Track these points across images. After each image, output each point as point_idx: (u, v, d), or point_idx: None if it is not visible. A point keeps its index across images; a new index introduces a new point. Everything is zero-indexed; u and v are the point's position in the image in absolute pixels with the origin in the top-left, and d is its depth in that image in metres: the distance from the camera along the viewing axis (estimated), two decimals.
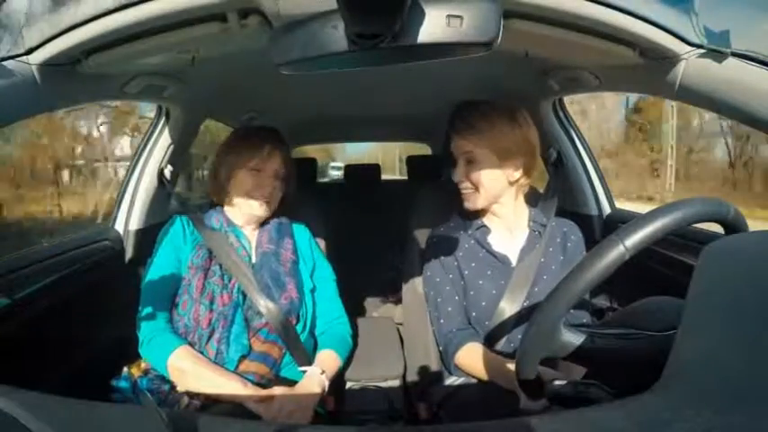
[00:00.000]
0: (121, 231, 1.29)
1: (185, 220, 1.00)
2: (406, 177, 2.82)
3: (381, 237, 2.26)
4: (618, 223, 0.58)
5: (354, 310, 1.16)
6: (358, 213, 2.41)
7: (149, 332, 0.87)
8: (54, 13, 0.67)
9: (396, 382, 1.10)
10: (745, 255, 0.47)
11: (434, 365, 1.06)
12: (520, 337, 0.88)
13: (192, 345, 0.88)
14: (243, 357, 0.89)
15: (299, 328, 0.96)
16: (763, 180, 12.04)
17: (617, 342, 0.54)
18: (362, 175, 2.79)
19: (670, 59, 0.72)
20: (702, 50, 0.68)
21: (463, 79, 1.30)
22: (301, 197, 1.10)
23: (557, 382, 0.57)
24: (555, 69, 1.07)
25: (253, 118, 1.69)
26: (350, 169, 2.85)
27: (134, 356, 0.91)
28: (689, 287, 0.45)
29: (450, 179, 1.02)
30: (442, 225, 1.07)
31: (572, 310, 0.74)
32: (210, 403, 0.83)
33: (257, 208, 0.99)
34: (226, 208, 1.04)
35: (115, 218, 1.31)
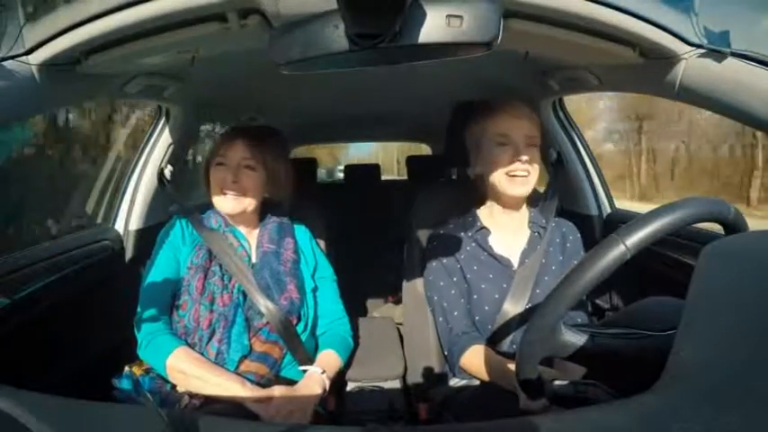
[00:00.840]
0: (121, 231, 1.29)
1: (184, 221, 1.00)
2: (403, 177, 2.82)
3: (381, 237, 2.27)
4: (618, 223, 0.58)
5: (355, 310, 1.16)
6: (358, 213, 2.41)
7: (147, 335, 0.87)
8: (54, 13, 0.67)
9: (396, 383, 1.10)
10: (744, 255, 0.47)
11: (435, 366, 1.06)
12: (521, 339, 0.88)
13: (192, 345, 0.88)
14: (243, 357, 0.89)
15: (299, 328, 0.96)
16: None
17: (617, 342, 0.54)
18: (362, 175, 2.79)
19: (670, 59, 0.72)
20: (702, 50, 0.68)
21: (463, 79, 1.30)
22: (301, 197, 1.10)
23: (557, 382, 0.57)
24: (555, 69, 1.07)
25: (253, 118, 1.69)
26: (350, 169, 2.85)
27: (135, 356, 0.91)
28: (689, 287, 0.45)
29: (450, 178, 1.02)
30: (442, 227, 1.07)
31: (571, 311, 0.74)
32: (210, 403, 0.83)
33: (225, 201, 0.95)
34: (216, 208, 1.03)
35: (115, 218, 1.31)
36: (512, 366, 0.78)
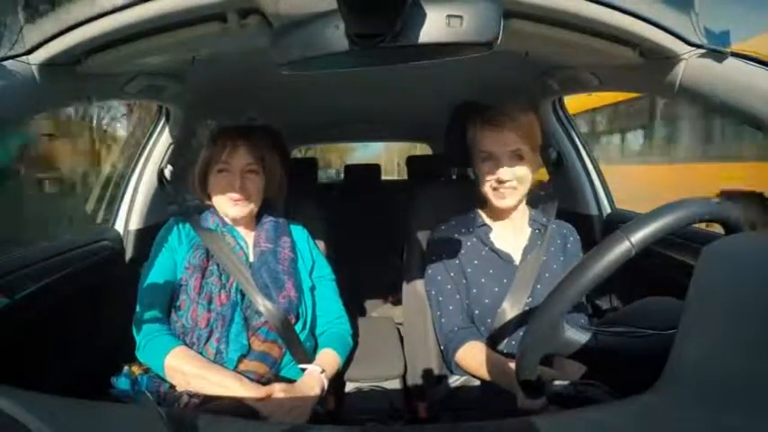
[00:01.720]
0: (121, 231, 1.29)
1: (182, 221, 1.00)
2: (403, 177, 2.82)
3: (381, 236, 2.27)
4: (618, 223, 0.58)
5: (354, 310, 1.16)
6: (358, 213, 2.41)
7: (145, 336, 0.87)
8: (54, 13, 0.67)
9: (396, 382, 1.10)
10: (744, 255, 0.47)
11: (435, 365, 1.06)
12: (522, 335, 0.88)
13: (191, 345, 0.88)
14: (242, 357, 0.89)
15: (298, 327, 0.96)
16: None
17: (618, 340, 0.54)
18: (363, 175, 2.79)
19: (670, 59, 0.72)
20: (702, 50, 0.68)
21: (463, 79, 1.30)
22: (301, 197, 1.10)
23: (557, 382, 0.57)
24: (555, 69, 1.07)
25: (253, 118, 1.69)
26: (350, 169, 2.85)
27: (134, 356, 0.91)
28: (689, 287, 0.45)
29: (450, 178, 1.02)
30: (443, 224, 1.07)
31: (572, 311, 0.74)
32: (209, 401, 0.83)
33: (232, 208, 0.97)
34: (214, 209, 1.03)
35: (115, 218, 1.31)
36: (511, 365, 0.78)
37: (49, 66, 0.70)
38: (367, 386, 1.08)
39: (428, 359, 1.07)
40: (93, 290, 1.12)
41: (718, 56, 0.67)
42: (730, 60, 0.66)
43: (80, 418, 0.43)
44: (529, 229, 1.03)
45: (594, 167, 1.41)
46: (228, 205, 0.97)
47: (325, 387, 0.92)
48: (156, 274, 0.93)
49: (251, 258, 0.99)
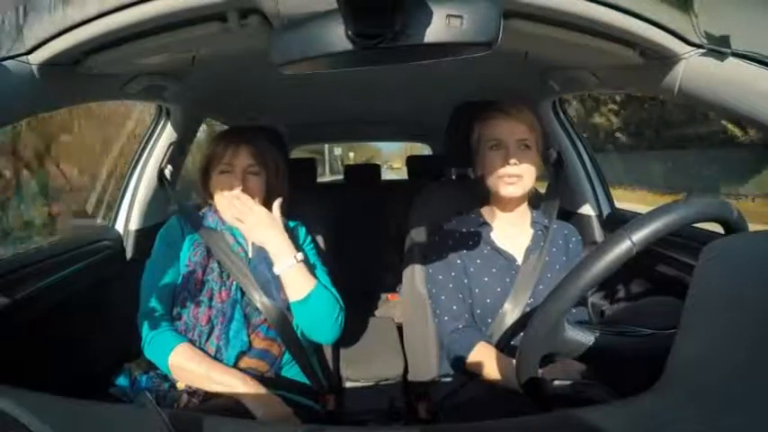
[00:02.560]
0: (121, 231, 1.29)
1: (182, 219, 1.00)
2: (403, 177, 2.82)
3: (381, 236, 2.27)
4: (618, 224, 0.58)
5: (354, 309, 1.16)
6: (358, 213, 2.41)
7: (149, 332, 0.88)
8: (54, 13, 0.66)
9: (396, 382, 1.10)
10: (745, 255, 0.47)
11: (434, 365, 1.06)
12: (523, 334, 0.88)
13: (192, 342, 0.89)
14: (242, 354, 0.89)
15: (296, 325, 0.96)
16: None
17: (618, 340, 0.54)
18: (362, 174, 2.79)
19: (670, 59, 0.72)
20: (702, 50, 0.68)
21: (463, 79, 1.30)
22: (301, 197, 1.10)
23: (557, 382, 0.57)
24: (555, 69, 1.07)
25: (253, 118, 1.69)
26: (350, 169, 2.86)
27: (134, 356, 0.91)
28: (689, 287, 0.45)
29: (450, 178, 1.02)
30: (444, 223, 1.07)
31: (572, 311, 0.73)
32: (210, 399, 0.83)
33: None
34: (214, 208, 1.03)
35: (115, 218, 1.31)
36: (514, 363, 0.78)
37: (49, 66, 0.70)
38: (367, 386, 1.08)
39: (428, 359, 1.07)
40: (93, 290, 1.12)
41: (718, 56, 0.67)
42: (730, 60, 0.66)
43: (80, 418, 0.43)
44: (531, 230, 1.03)
45: (594, 168, 1.41)
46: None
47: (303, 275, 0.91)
48: (159, 270, 0.94)
49: (250, 255, 0.99)
